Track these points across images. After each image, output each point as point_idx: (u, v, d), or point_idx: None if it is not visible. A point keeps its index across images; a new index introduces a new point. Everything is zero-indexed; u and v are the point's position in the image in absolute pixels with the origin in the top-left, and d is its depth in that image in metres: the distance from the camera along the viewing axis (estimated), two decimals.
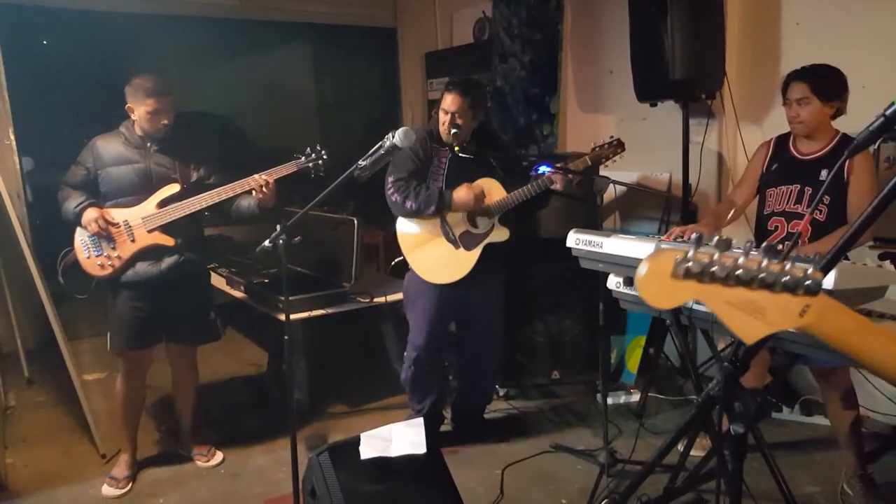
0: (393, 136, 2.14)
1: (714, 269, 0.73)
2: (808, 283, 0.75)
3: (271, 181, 2.67)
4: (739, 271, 0.73)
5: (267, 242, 2.27)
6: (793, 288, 0.75)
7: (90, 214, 2.61)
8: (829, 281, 1.54)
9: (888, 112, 0.97)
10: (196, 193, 2.69)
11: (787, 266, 0.75)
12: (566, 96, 4.43)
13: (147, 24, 4.62)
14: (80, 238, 2.68)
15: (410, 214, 2.78)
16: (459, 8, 5.13)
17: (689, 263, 0.73)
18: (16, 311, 4.01)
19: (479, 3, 4.88)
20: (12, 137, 4.32)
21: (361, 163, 2.19)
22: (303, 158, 2.73)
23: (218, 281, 4.03)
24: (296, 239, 2.31)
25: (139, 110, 2.63)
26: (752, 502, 2.01)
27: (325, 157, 2.75)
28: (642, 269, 0.73)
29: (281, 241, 2.24)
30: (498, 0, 4.66)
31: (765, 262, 0.75)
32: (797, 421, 3.18)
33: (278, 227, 2.25)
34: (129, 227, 2.66)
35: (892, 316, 1.73)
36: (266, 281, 3.71)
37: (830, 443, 2.74)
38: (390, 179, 2.76)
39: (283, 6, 5.29)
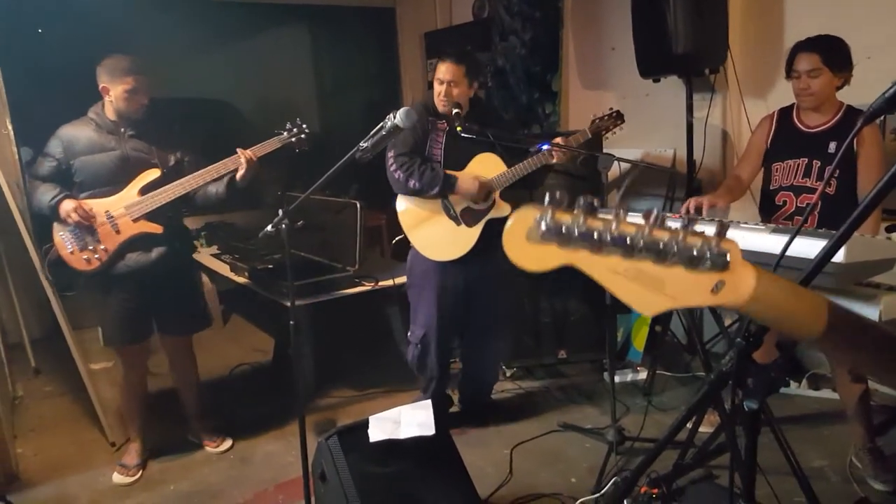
0: (394, 117, 2.11)
1: (577, 233, 0.60)
2: (710, 257, 0.61)
3: (256, 157, 2.62)
4: (607, 239, 0.61)
5: (269, 228, 2.25)
6: (690, 263, 0.61)
7: (67, 206, 2.49)
8: (839, 255, 1.52)
9: None
10: (176, 178, 2.61)
11: (679, 235, 0.61)
12: (568, 74, 4.38)
13: (143, 10, 4.57)
14: (60, 233, 2.58)
15: (412, 193, 2.76)
16: None
17: (544, 226, 0.60)
18: (20, 302, 4.01)
19: None
20: (10, 127, 4.28)
21: (363, 144, 2.16)
22: (285, 133, 2.69)
23: (221, 267, 4.02)
24: (298, 224, 2.29)
25: (116, 90, 2.54)
26: (762, 476, 2.01)
27: (307, 131, 2.72)
28: (507, 224, 0.63)
29: (283, 227, 2.22)
30: None
31: (647, 230, 0.61)
32: (805, 395, 3.17)
33: (280, 212, 2.23)
34: (112, 217, 2.57)
35: None
36: (270, 267, 3.70)
37: (839, 416, 2.75)
38: (391, 155, 2.72)
39: None
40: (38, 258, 3.18)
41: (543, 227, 0.61)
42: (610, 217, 0.62)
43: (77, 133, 2.59)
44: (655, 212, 0.62)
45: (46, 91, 4.43)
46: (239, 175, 2.63)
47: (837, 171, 2.40)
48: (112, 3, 4.48)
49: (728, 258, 0.62)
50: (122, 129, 2.62)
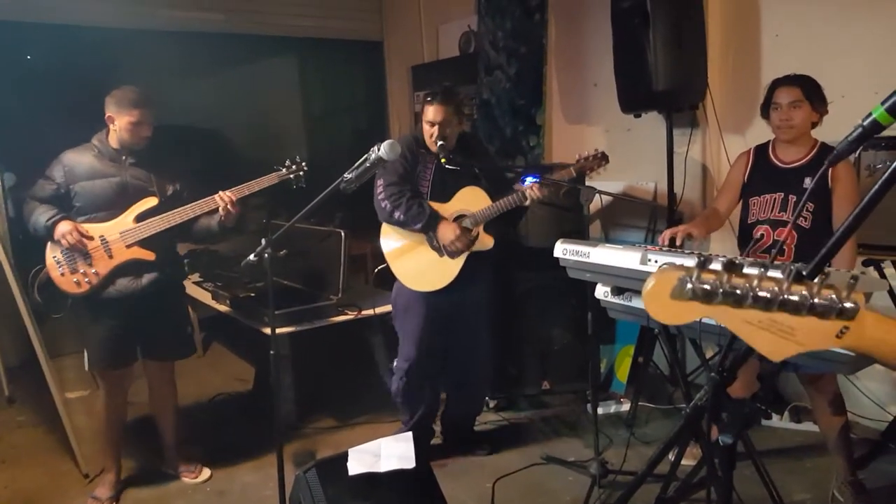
0: (378, 149, 2.13)
1: (722, 290, 0.67)
2: (845, 307, 0.68)
3: (235, 199, 2.64)
4: (755, 293, 0.68)
5: (252, 256, 2.26)
6: (822, 313, 0.68)
7: (63, 228, 2.53)
8: None
9: (866, 123, 0.98)
10: (173, 207, 2.65)
11: (815, 289, 0.68)
12: (552, 108, 4.46)
13: (132, 39, 4.60)
14: (53, 255, 2.59)
15: (395, 224, 2.77)
16: (445, 21, 5.16)
17: (692, 285, 0.67)
18: None
19: (465, 17, 4.91)
20: None
21: (347, 175, 2.18)
22: (283, 170, 2.73)
23: (203, 295, 3.99)
24: (281, 252, 2.30)
25: (121, 121, 2.59)
26: None
27: (305, 168, 2.76)
28: (648, 285, 0.70)
29: (266, 255, 2.22)
30: (483, 13, 4.70)
31: (785, 286, 0.68)
32: (787, 428, 3.18)
33: (263, 241, 2.23)
34: (106, 242, 2.60)
35: None
36: (252, 295, 3.68)
37: (820, 449, 2.75)
38: (380, 183, 2.74)
39: (270, 20, 5.30)
40: (16, 283, 3.13)
41: (690, 286, 0.68)
42: (752, 274, 0.69)
43: (79, 159, 2.63)
44: (791, 269, 0.70)
45: (32, 117, 4.43)
46: (222, 218, 2.67)
47: (813, 206, 2.46)
48: (101, 33, 4.52)
49: (857, 309, 0.68)
50: (124, 158, 2.66)
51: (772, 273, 0.70)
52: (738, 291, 0.68)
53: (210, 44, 5.17)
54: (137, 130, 2.61)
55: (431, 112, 2.72)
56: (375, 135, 5.76)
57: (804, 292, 0.68)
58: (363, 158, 2.16)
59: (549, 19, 4.33)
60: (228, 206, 2.63)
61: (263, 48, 5.62)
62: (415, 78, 5.53)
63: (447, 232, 2.72)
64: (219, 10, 5.01)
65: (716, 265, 0.69)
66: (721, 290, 0.67)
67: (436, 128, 2.71)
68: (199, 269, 4.56)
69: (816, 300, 0.68)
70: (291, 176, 2.74)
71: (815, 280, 0.69)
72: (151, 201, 2.66)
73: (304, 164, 2.77)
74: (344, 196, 2.25)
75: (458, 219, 2.80)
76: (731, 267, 0.68)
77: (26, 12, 4.32)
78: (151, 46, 4.63)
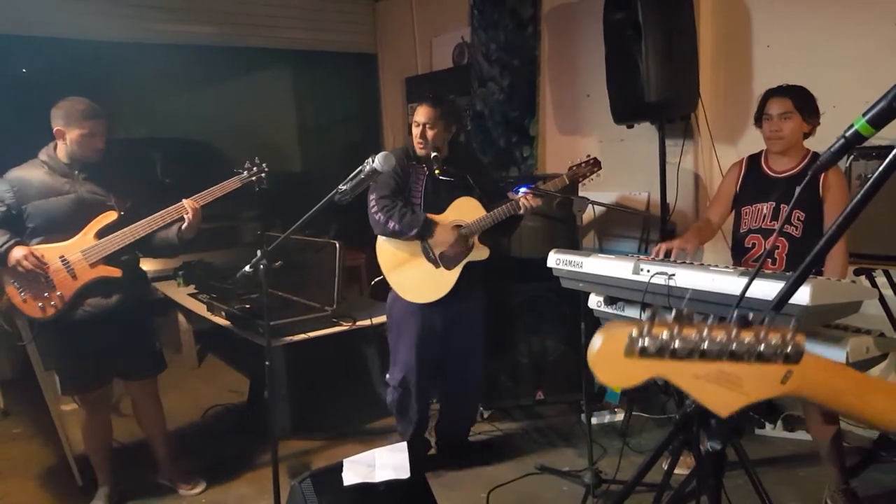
0: (373, 161, 2.16)
1: (674, 345, 0.66)
2: (787, 351, 0.69)
3: (199, 206, 2.59)
4: (704, 345, 0.67)
5: (247, 268, 2.27)
6: (769, 358, 0.69)
7: (17, 253, 2.39)
8: (804, 297, 1.56)
9: (848, 134, 1.00)
10: (134, 220, 2.55)
11: (762, 334, 0.68)
12: (545, 119, 4.49)
13: (127, 52, 4.62)
14: (12, 281, 2.47)
15: (391, 235, 2.78)
16: (438, 33, 5.20)
17: (645, 341, 0.66)
18: None
19: (458, 29, 4.95)
20: None
21: (342, 187, 2.20)
22: (244, 173, 2.73)
23: (198, 307, 3.99)
24: (276, 264, 2.31)
25: (72, 134, 2.47)
26: None
27: (266, 169, 2.76)
28: (595, 345, 0.67)
29: (262, 266, 2.23)
30: (476, 26, 4.75)
31: (734, 332, 0.68)
32: (780, 437, 3.19)
33: (259, 253, 2.24)
34: (68, 262, 2.48)
35: (867, 330, 1.76)
36: (247, 306, 3.68)
37: (813, 458, 2.77)
38: (373, 197, 2.76)
39: (264, 33, 5.33)
40: None
41: (645, 342, 0.66)
42: (701, 325, 0.68)
43: (28, 176, 2.50)
44: (736, 314, 0.69)
45: (28, 130, 4.43)
46: (184, 226, 2.59)
47: (804, 216, 2.48)
48: (96, 46, 4.54)
49: (801, 352, 0.69)
50: (76, 172, 2.54)
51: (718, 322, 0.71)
52: (691, 344, 0.67)
53: (204, 57, 5.19)
54: (90, 143, 2.49)
55: (419, 113, 2.76)
56: (370, 146, 5.78)
57: (751, 338, 0.68)
58: (357, 170, 2.18)
59: (542, 31, 4.37)
60: (192, 214, 2.56)
61: (257, 61, 5.66)
62: (409, 90, 5.56)
63: (444, 233, 2.73)
64: (212, 22, 5.04)
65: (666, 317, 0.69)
66: (674, 344, 0.67)
67: (420, 128, 2.75)
68: (194, 280, 4.56)
69: (763, 346, 0.68)
70: (253, 178, 2.74)
71: (763, 324, 0.69)
72: (111, 216, 2.54)
73: (264, 165, 2.77)
74: (339, 207, 2.27)
75: (454, 229, 2.82)
76: (681, 318, 0.67)
77: (18, 26, 4.34)
78: (145, 60, 4.66)
